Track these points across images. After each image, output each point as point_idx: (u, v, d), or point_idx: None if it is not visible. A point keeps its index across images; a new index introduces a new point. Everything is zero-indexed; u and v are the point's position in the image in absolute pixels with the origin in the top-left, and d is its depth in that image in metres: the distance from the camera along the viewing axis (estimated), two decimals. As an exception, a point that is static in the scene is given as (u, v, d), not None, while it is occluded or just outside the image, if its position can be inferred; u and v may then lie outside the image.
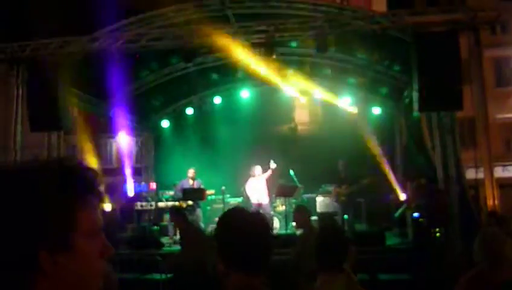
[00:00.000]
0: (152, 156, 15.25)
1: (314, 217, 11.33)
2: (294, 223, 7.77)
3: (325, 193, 12.38)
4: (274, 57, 10.18)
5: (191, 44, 9.84)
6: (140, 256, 9.46)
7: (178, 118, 15.41)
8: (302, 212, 6.96)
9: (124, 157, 14.06)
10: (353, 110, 14.03)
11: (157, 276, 8.56)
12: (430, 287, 7.91)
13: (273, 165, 11.72)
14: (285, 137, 14.75)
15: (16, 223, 0.96)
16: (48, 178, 1.01)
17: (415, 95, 8.72)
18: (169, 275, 8.55)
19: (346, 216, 10.79)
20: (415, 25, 8.78)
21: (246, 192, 11.78)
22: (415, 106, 8.79)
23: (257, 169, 11.58)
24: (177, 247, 10.73)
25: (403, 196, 12.21)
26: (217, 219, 1.99)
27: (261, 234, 1.88)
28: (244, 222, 1.88)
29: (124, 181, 14.31)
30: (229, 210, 2.09)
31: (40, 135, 10.58)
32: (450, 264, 7.88)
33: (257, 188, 11.41)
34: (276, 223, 11.76)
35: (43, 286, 0.97)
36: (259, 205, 11.16)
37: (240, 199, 13.04)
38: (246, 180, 11.80)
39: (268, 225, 1.98)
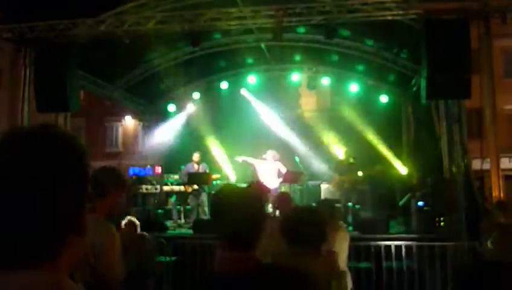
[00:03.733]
0: (158, 139, 15.24)
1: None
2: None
3: (329, 181, 12.40)
4: (282, 42, 10.11)
5: (199, 28, 9.79)
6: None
7: (184, 103, 15.40)
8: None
9: (130, 140, 14.08)
10: (360, 97, 13.98)
11: (161, 258, 8.62)
12: (433, 275, 7.94)
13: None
14: (291, 123, 14.69)
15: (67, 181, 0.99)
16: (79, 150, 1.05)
17: (423, 82, 8.64)
18: (173, 258, 8.63)
19: (350, 204, 10.79)
20: (425, 11, 8.69)
21: (256, 174, 11.56)
22: (423, 93, 8.72)
23: (268, 154, 11.41)
24: (181, 230, 10.86)
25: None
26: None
27: (254, 210, 1.90)
28: (237, 198, 1.91)
29: (129, 164, 14.36)
30: (222, 187, 2.13)
31: (47, 116, 10.59)
32: (453, 253, 7.89)
33: (266, 173, 11.30)
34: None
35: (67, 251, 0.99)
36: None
37: (244, 185, 13.02)
38: (257, 163, 11.65)
39: (261, 201, 2.00)
